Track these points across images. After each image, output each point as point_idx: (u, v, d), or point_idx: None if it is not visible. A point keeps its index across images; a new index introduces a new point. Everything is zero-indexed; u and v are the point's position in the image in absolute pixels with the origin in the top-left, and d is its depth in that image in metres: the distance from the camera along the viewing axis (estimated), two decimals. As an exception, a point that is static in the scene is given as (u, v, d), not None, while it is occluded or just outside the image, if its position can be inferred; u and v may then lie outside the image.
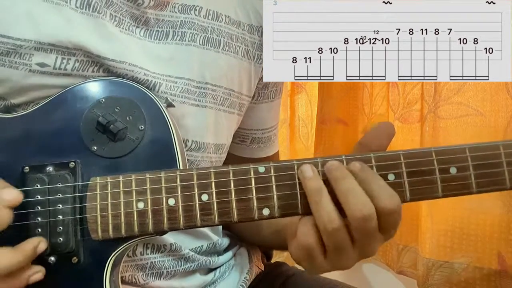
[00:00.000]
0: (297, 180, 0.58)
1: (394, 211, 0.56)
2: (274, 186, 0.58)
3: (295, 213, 0.58)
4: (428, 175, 0.58)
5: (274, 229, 0.82)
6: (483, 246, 1.16)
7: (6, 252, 0.53)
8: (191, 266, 0.76)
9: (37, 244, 0.55)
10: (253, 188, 0.58)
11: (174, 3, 0.72)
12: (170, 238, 0.73)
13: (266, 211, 0.58)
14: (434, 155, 0.58)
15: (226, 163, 0.82)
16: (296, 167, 0.58)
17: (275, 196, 0.58)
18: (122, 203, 0.58)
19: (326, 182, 0.57)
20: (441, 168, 0.58)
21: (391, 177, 0.58)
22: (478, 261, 1.17)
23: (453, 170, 0.58)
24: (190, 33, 0.72)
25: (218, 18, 0.75)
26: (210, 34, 0.74)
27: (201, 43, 0.73)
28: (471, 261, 1.18)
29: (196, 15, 0.73)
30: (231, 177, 0.58)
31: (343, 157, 0.58)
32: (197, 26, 0.73)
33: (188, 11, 0.73)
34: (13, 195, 0.54)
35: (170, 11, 0.72)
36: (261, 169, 0.58)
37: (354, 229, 0.56)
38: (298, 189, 0.58)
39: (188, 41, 0.72)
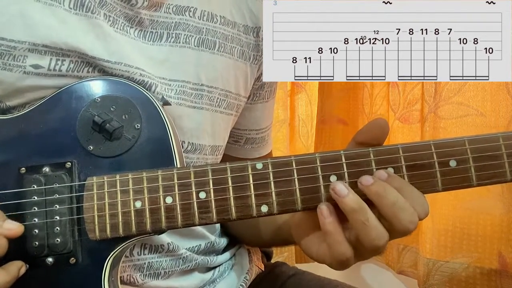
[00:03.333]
0: (295, 176, 0.58)
1: (422, 218, 0.56)
2: (272, 183, 0.58)
3: (293, 209, 0.58)
4: (427, 169, 0.58)
5: (275, 227, 0.82)
6: (484, 246, 1.16)
7: None
8: (188, 265, 0.76)
9: (21, 266, 0.56)
10: (251, 185, 0.58)
11: (169, 4, 0.72)
12: (167, 238, 0.73)
13: (264, 208, 0.58)
14: (433, 148, 0.58)
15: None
16: (294, 163, 0.58)
17: (273, 193, 0.58)
18: (119, 203, 0.58)
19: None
20: (440, 161, 0.58)
21: (387, 171, 0.57)
22: (478, 261, 1.17)
23: (452, 163, 0.58)
24: (185, 35, 0.72)
25: (213, 19, 0.75)
26: (205, 35, 0.74)
27: (196, 44, 0.73)
28: (471, 261, 1.18)
29: (190, 16, 0.73)
30: (229, 174, 0.58)
31: (342, 152, 0.58)
32: (192, 27, 0.73)
33: (183, 12, 0.73)
34: (15, 226, 0.55)
35: (164, 12, 0.71)
36: (259, 165, 0.58)
37: (394, 236, 0.56)
38: (296, 185, 0.58)
39: (183, 43, 0.72)
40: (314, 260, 0.61)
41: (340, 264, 0.58)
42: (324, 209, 0.56)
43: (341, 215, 0.56)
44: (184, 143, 0.72)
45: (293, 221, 0.64)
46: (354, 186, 0.57)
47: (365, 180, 0.56)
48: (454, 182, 0.58)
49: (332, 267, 0.60)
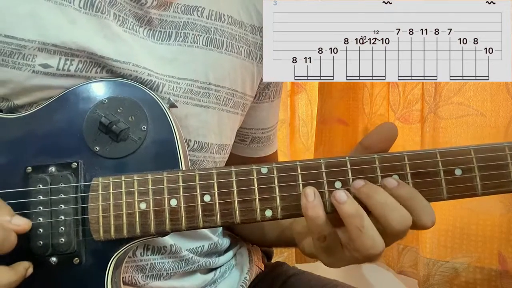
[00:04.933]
0: (300, 181, 0.58)
1: (428, 228, 0.56)
2: (277, 187, 0.58)
3: (298, 214, 0.58)
4: (432, 177, 0.57)
5: (279, 229, 0.82)
6: (484, 246, 1.16)
7: (5, 271, 0.54)
8: (191, 267, 0.76)
9: (28, 266, 0.56)
10: (256, 189, 0.58)
11: (177, 3, 0.72)
12: (169, 239, 0.73)
13: (269, 213, 0.58)
14: (438, 156, 0.58)
15: (225, 162, 0.82)
16: (299, 168, 0.58)
17: (278, 197, 0.58)
18: (124, 204, 0.58)
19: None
20: (445, 169, 0.57)
21: (395, 178, 0.57)
22: (478, 261, 1.17)
23: (458, 172, 0.58)
24: (193, 34, 0.72)
25: (220, 18, 0.75)
26: (213, 34, 0.74)
27: (204, 44, 0.73)
28: (471, 261, 1.18)
29: (198, 16, 0.73)
30: (234, 178, 0.58)
31: (347, 158, 0.58)
32: (200, 27, 0.73)
33: (191, 12, 0.73)
34: (24, 221, 0.55)
35: (173, 12, 0.72)
36: (264, 169, 0.58)
37: (389, 240, 0.56)
38: (301, 191, 0.57)
39: (191, 42, 0.72)
40: (309, 257, 0.61)
41: (327, 252, 0.59)
42: (307, 193, 0.56)
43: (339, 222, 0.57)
44: (191, 141, 0.72)
45: (296, 225, 0.64)
46: None
47: (356, 184, 0.57)
48: (459, 190, 0.58)
49: (324, 263, 0.60)
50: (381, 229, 0.55)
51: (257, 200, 0.58)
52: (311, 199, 0.56)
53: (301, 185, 0.58)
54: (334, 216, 0.57)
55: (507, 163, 0.58)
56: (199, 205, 0.58)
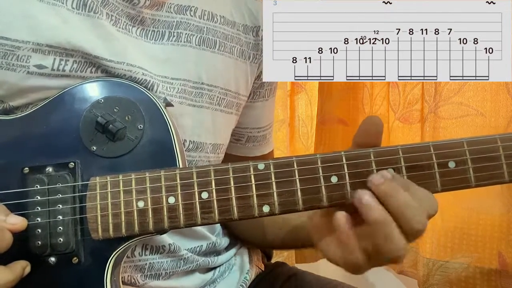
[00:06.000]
0: (296, 176, 0.58)
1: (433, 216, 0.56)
2: (274, 183, 0.58)
3: (294, 210, 0.58)
4: (426, 170, 0.58)
5: (289, 228, 0.82)
6: (484, 246, 1.17)
7: (2, 270, 0.54)
8: (190, 266, 0.76)
9: (25, 265, 0.56)
10: (253, 185, 0.58)
11: (170, 3, 0.72)
12: (168, 238, 0.73)
13: (266, 208, 0.58)
14: (432, 149, 0.58)
15: (222, 162, 0.82)
16: (295, 164, 0.58)
17: (275, 193, 0.58)
18: (122, 202, 0.58)
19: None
20: (439, 162, 0.58)
21: (390, 172, 0.57)
22: (478, 261, 1.17)
23: (451, 164, 0.58)
24: (186, 33, 0.73)
25: (213, 18, 0.76)
26: (205, 34, 0.74)
27: (197, 43, 0.73)
28: (471, 261, 1.18)
29: (191, 15, 0.74)
30: (231, 175, 0.58)
31: (342, 153, 0.58)
32: (193, 26, 0.74)
33: (184, 12, 0.73)
34: (19, 220, 0.55)
35: (166, 11, 0.72)
36: (261, 166, 0.58)
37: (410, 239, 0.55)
38: (298, 186, 0.58)
39: (184, 41, 0.73)
40: (331, 262, 0.61)
41: (353, 270, 0.58)
42: (341, 222, 0.55)
43: (356, 218, 0.56)
44: (186, 141, 0.72)
45: (312, 224, 0.63)
46: (355, 186, 0.57)
47: (376, 179, 0.55)
48: (453, 183, 0.58)
49: (346, 271, 0.59)
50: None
51: (255, 196, 0.58)
52: (344, 228, 0.55)
53: (297, 180, 0.58)
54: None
55: (499, 154, 0.58)
56: (197, 202, 0.58)
